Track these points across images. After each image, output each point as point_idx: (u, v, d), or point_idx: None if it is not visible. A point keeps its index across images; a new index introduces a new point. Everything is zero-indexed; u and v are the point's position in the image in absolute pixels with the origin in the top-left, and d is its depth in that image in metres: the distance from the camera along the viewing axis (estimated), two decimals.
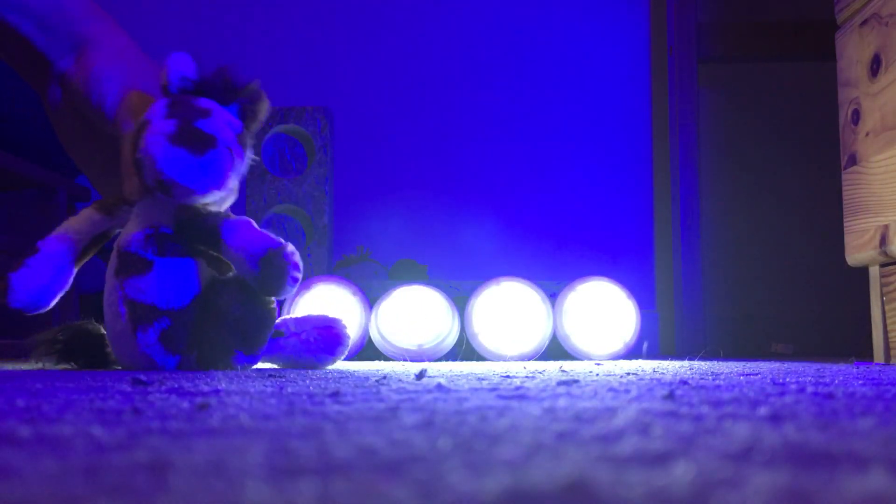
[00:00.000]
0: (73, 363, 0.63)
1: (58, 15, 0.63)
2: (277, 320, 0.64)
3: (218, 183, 0.58)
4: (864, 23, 0.87)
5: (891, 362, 0.86)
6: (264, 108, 0.64)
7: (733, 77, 1.63)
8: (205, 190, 0.58)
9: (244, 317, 0.58)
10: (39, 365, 0.64)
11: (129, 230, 0.60)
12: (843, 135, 0.92)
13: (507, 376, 0.52)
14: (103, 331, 0.63)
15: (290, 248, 0.58)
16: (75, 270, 0.62)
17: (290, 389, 0.40)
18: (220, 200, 0.61)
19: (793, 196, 1.57)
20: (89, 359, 0.63)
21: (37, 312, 0.60)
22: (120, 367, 0.64)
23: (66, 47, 0.63)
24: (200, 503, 0.15)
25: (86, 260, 0.63)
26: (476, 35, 1.63)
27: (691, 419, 0.27)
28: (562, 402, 0.33)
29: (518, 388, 0.41)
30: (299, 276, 0.58)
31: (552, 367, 0.67)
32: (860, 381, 0.47)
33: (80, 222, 0.61)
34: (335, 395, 0.37)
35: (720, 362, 0.84)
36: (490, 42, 1.63)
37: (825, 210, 1.47)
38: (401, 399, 0.34)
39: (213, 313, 0.58)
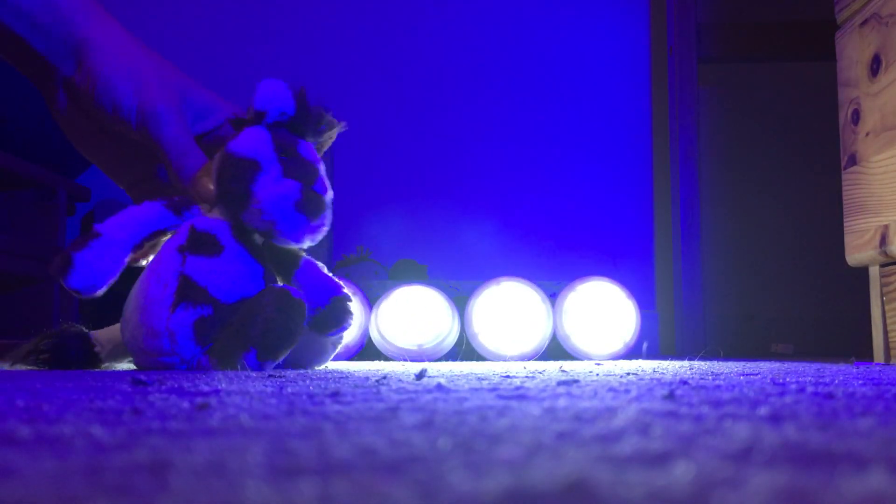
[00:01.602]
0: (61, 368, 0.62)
1: (50, 14, 0.61)
2: None
3: (318, 238, 0.62)
4: (864, 23, 0.87)
5: (891, 362, 0.86)
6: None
7: (733, 77, 1.63)
8: (305, 243, 0.62)
9: (276, 320, 0.58)
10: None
11: (209, 215, 0.61)
12: (843, 135, 0.92)
13: (507, 376, 0.52)
14: (85, 330, 0.63)
15: (350, 297, 0.63)
16: (127, 261, 0.61)
17: (290, 389, 0.40)
18: None
19: (793, 196, 1.57)
20: (77, 362, 0.62)
21: (90, 296, 0.59)
22: (105, 367, 0.64)
23: (66, 50, 0.62)
24: (200, 503, 0.15)
25: (139, 254, 0.62)
26: (476, 35, 1.63)
27: (691, 419, 0.27)
28: (562, 402, 0.33)
29: (518, 388, 0.41)
30: (352, 323, 0.64)
31: (552, 367, 0.67)
32: (860, 381, 0.47)
33: (145, 214, 0.61)
34: (335, 395, 0.37)
35: (720, 362, 0.84)
36: (490, 42, 1.63)
37: (825, 210, 1.47)
38: (401, 399, 0.34)
39: (248, 309, 0.58)
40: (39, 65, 0.63)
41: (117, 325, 0.64)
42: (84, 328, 0.63)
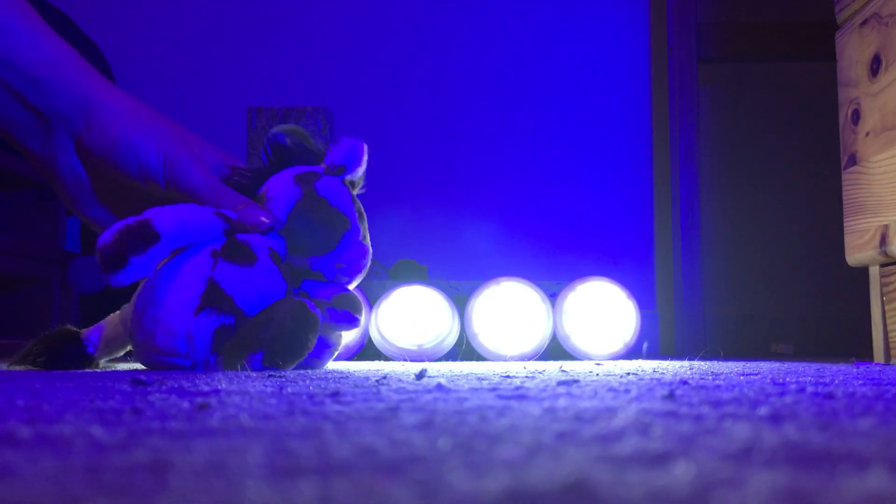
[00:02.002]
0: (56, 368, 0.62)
1: (48, 68, 0.61)
2: None
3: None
4: (864, 23, 0.87)
5: (891, 362, 0.86)
6: None
7: (733, 77, 1.63)
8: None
9: (289, 327, 0.58)
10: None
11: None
12: (843, 135, 0.92)
13: (507, 376, 0.52)
14: (77, 331, 0.63)
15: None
16: None
17: (290, 389, 0.40)
18: None
19: (793, 196, 1.57)
20: (71, 363, 0.62)
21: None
22: (102, 366, 0.64)
23: (70, 106, 0.62)
24: (200, 503, 0.15)
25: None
26: (475, 35, 1.63)
27: (691, 419, 0.27)
28: (562, 402, 0.33)
29: (518, 388, 0.41)
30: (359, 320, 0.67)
31: (552, 367, 0.67)
32: (860, 381, 0.47)
33: (202, 220, 0.61)
34: (335, 395, 0.37)
35: (720, 362, 0.84)
36: (489, 42, 1.63)
37: (825, 210, 1.47)
38: (401, 399, 0.34)
39: (263, 314, 0.59)
40: (37, 127, 0.62)
41: (108, 320, 0.63)
42: (76, 329, 0.63)
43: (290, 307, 0.59)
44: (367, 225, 0.67)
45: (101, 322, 0.64)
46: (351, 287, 0.66)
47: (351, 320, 0.64)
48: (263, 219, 0.62)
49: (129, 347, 0.63)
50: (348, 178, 0.66)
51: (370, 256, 0.65)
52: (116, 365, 0.66)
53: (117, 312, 0.64)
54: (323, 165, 0.65)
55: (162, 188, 0.63)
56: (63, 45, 0.63)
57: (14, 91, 0.61)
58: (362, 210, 0.66)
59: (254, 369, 0.57)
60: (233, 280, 0.59)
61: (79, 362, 0.62)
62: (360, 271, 0.64)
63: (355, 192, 0.67)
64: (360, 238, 0.65)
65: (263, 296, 0.60)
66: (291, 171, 0.64)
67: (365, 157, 0.67)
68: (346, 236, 0.63)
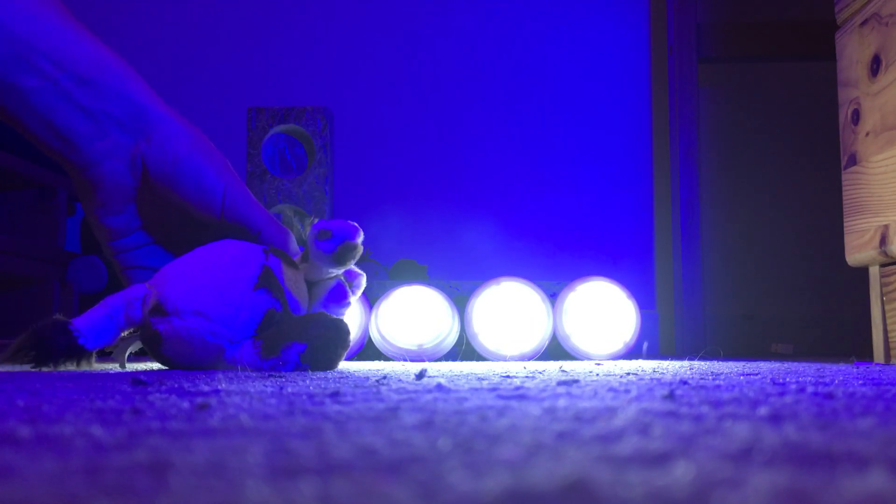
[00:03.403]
0: (50, 365, 0.60)
1: (97, 69, 0.59)
2: None
3: None
4: (864, 23, 0.87)
5: (891, 362, 0.86)
6: None
7: (733, 77, 1.63)
8: None
9: (331, 333, 0.60)
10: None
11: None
12: (843, 135, 0.92)
13: (507, 376, 0.52)
14: (66, 321, 0.61)
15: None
16: None
17: (290, 389, 0.40)
18: None
19: (793, 196, 1.57)
20: (62, 355, 0.60)
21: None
22: (92, 360, 0.63)
23: (126, 113, 0.60)
24: (200, 503, 0.15)
25: None
26: (475, 35, 1.63)
27: (691, 419, 0.27)
28: (562, 402, 0.33)
29: (518, 388, 0.41)
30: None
31: (552, 367, 0.67)
32: (860, 381, 0.47)
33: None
34: (335, 395, 0.37)
35: (720, 362, 0.84)
36: (489, 41, 1.63)
37: (825, 210, 1.47)
38: (401, 399, 0.34)
39: (312, 317, 0.61)
40: (86, 131, 0.60)
41: (102, 305, 0.62)
42: (65, 319, 0.61)
43: (335, 321, 0.61)
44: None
45: (92, 309, 0.62)
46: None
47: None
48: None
49: (124, 334, 0.62)
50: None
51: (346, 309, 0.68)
52: (108, 365, 0.66)
53: (117, 294, 0.62)
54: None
55: (216, 215, 0.63)
56: (112, 53, 0.61)
57: (64, 91, 0.59)
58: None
59: (287, 360, 0.58)
60: (283, 274, 0.61)
61: (70, 354, 0.60)
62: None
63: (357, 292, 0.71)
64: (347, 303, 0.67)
65: (304, 299, 0.62)
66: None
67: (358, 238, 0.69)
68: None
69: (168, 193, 0.62)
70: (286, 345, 0.58)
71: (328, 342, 0.59)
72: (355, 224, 0.65)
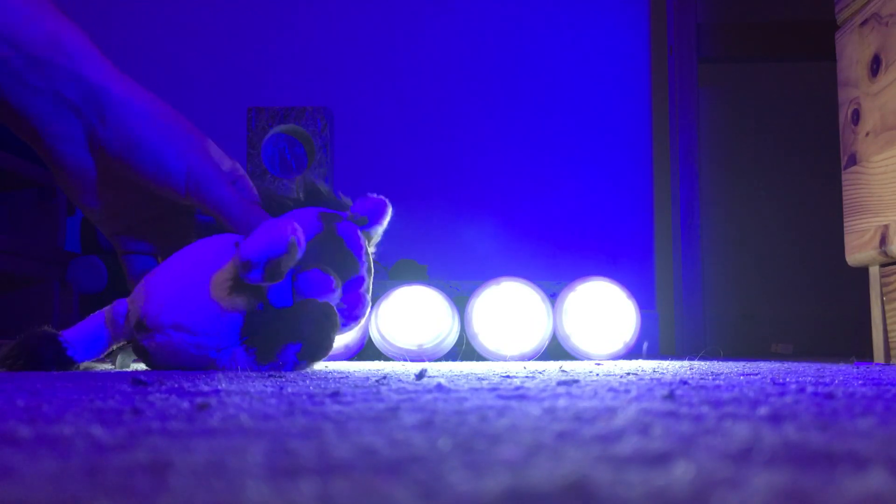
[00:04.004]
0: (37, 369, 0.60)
1: (51, 49, 0.56)
2: None
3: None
4: (864, 23, 0.87)
5: (891, 362, 0.86)
6: None
7: (733, 77, 1.63)
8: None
9: (324, 325, 0.59)
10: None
11: None
12: (843, 135, 0.92)
13: (507, 376, 0.52)
14: (55, 332, 0.61)
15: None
16: None
17: (290, 389, 0.40)
18: None
19: (793, 196, 1.57)
20: (50, 365, 0.60)
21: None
22: (83, 368, 0.62)
23: (80, 94, 0.58)
24: (200, 503, 0.15)
25: None
26: (476, 35, 1.63)
27: (691, 419, 0.27)
28: (562, 402, 0.33)
29: (518, 388, 0.41)
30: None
31: (552, 367, 0.67)
32: (860, 381, 0.47)
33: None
34: (335, 395, 0.37)
35: (720, 362, 0.84)
36: (489, 42, 1.63)
37: (825, 210, 1.47)
38: (401, 399, 0.34)
39: (297, 309, 0.59)
40: (44, 113, 0.58)
41: (91, 318, 0.61)
42: (54, 330, 0.60)
43: (322, 307, 0.59)
44: (372, 281, 0.67)
45: (83, 321, 0.62)
46: (343, 333, 0.65)
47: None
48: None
49: (113, 347, 0.61)
50: (368, 231, 0.67)
51: (368, 312, 0.65)
52: (97, 366, 0.65)
53: (103, 310, 0.62)
54: (347, 212, 0.67)
55: (181, 196, 0.61)
56: (74, 32, 0.59)
57: (14, 70, 0.56)
58: (372, 266, 0.67)
59: (286, 362, 0.57)
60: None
61: (58, 365, 0.60)
62: (356, 319, 0.64)
63: (371, 247, 0.68)
64: (364, 290, 0.65)
65: (286, 294, 0.60)
66: (317, 209, 0.66)
67: (387, 217, 0.69)
68: (353, 281, 0.64)
69: (130, 175, 0.60)
70: (281, 348, 0.57)
71: (321, 334, 0.58)
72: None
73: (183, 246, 0.62)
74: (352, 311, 0.64)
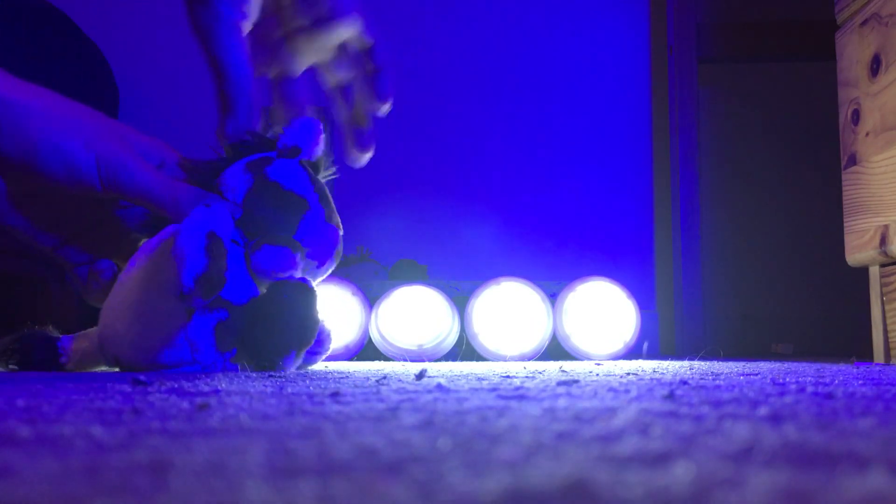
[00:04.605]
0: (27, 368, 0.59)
1: None
2: None
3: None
4: (864, 23, 0.87)
5: (891, 362, 0.86)
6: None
7: (733, 77, 1.63)
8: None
9: (308, 316, 0.56)
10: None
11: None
12: (843, 135, 0.92)
13: (507, 376, 0.52)
14: (53, 336, 0.60)
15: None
16: None
17: (290, 389, 0.40)
18: None
19: (793, 196, 1.57)
20: (42, 367, 0.60)
21: None
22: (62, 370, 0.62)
23: None
24: (200, 503, 0.15)
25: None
26: (475, 35, 1.63)
27: (691, 419, 0.27)
28: (562, 403, 0.33)
29: (518, 388, 0.41)
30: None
31: (552, 367, 0.67)
32: (860, 381, 0.47)
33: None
34: (335, 395, 0.37)
35: (720, 362, 0.84)
36: (489, 41, 1.63)
37: (825, 210, 1.47)
38: (401, 399, 0.34)
39: (276, 309, 0.56)
40: None
41: (83, 335, 0.60)
42: (54, 335, 0.60)
43: (294, 289, 0.56)
44: (333, 207, 0.62)
45: (77, 335, 0.61)
46: (324, 273, 0.61)
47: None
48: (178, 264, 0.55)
49: (103, 366, 0.60)
50: (306, 160, 0.61)
51: (340, 237, 0.60)
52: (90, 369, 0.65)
53: (94, 329, 0.60)
54: (276, 150, 0.61)
55: (98, 191, 0.56)
56: None
57: None
58: (326, 191, 0.61)
59: (286, 367, 0.56)
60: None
61: (50, 368, 0.59)
62: (329, 255, 0.59)
63: (322, 174, 0.63)
64: (325, 219, 0.60)
65: (244, 282, 0.56)
66: (244, 160, 0.60)
67: (321, 137, 0.62)
68: (306, 218, 0.59)
69: (39, 180, 0.55)
70: (281, 360, 0.56)
71: (305, 328, 0.56)
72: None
73: (130, 244, 0.59)
74: (318, 251, 0.59)
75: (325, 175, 0.63)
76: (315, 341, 0.59)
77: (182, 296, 0.52)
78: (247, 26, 0.60)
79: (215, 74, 0.60)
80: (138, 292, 0.56)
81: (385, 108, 0.67)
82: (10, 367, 0.59)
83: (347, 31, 0.65)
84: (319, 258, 0.59)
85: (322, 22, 0.64)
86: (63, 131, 0.55)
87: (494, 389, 0.40)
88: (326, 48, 0.67)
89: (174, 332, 0.55)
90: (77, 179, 0.55)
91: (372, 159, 0.68)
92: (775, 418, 0.27)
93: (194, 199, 0.56)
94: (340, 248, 0.61)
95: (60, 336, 0.61)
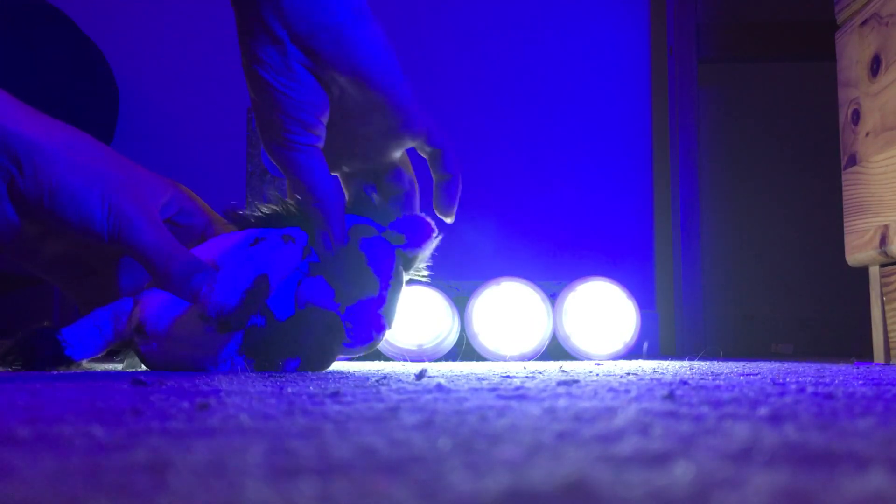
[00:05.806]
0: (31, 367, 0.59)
1: None
2: None
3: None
4: (864, 23, 0.87)
5: (891, 362, 0.86)
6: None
7: (733, 77, 1.63)
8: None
9: (325, 339, 0.57)
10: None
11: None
12: (843, 135, 0.92)
13: (507, 376, 0.52)
14: (54, 329, 0.60)
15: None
16: None
17: (290, 389, 0.40)
18: None
19: (793, 196, 1.57)
20: (46, 363, 0.59)
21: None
22: (84, 367, 0.62)
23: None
24: (200, 503, 0.15)
25: None
26: (475, 34, 1.63)
27: (691, 419, 0.27)
28: (562, 402, 0.33)
29: (518, 388, 0.41)
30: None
31: (552, 367, 0.67)
32: (860, 381, 0.47)
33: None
34: (335, 395, 0.37)
35: (720, 362, 0.84)
36: (489, 41, 1.63)
37: (825, 210, 1.47)
38: (401, 399, 0.34)
39: (298, 320, 0.57)
40: None
41: (92, 316, 0.60)
42: (53, 327, 0.60)
43: (324, 317, 0.58)
44: (396, 305, 0.63)
45: (84, 318, 0.61)
46: (354, 352, 0.62)
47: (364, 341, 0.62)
48: (205, 291, 0.55)
49: (112, 346, 0.61)
50: (406, 252, 0.63)
51: (383, 334, 0.61)
52: (102, 365, 0.65)
53: (110, 306, 0.60)
54: (385, 227, 0.63)
55: (105, 242, 0.56)
56: None
57: None
58: (400, 289, 0.63)
59: (286, 372, 0.57)
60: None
61: (56, 363, 0.59)
62: (364, 341, 0.60)
63: (410, 269, 0.64)
64: (381, 310, 0.61)
65: (291, 300, 0.58)
66: (353, 218, 0.63)
67: (430, 242, 0.64)
68: (367, 301, 0.60)
69: (52, 224, 0.56)
70: (280, 363, 0.57)
71: (321, 349, 0.57)
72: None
73: (145, 285, 0.60)
74: (358, 332, 0.60)
75: (413, 275, 0.65)
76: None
77: (203, 317, 0.53)
78: (320, 145, 0.61)
79: (301, 197, 0.61)
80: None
81: (449, 219, 0.69)
82: (15, 367, 0.59)
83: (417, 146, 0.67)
84: (354, 339, 0.60)
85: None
86: (83, 179, 0.55)
87: (494, 389, 0.40)
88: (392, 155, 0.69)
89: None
90: (87, 227, 0.56)
91: None
92: (775, 418, 0.27)
93: (185, 273, 0.56)
94: (378, 341, 0.61)
95: (60, 329, 0.60)
